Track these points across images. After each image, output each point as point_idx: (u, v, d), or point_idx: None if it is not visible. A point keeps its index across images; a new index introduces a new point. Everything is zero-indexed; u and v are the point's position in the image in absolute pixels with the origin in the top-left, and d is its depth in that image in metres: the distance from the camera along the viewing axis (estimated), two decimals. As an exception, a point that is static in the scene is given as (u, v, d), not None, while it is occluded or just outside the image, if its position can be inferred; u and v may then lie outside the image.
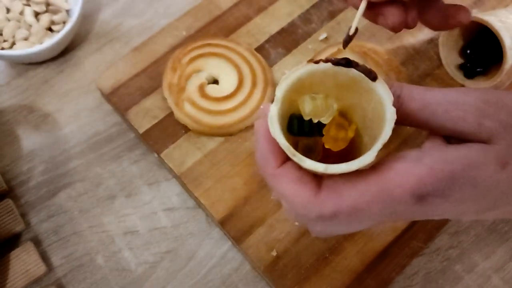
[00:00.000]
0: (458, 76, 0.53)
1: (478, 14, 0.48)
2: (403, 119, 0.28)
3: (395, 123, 0.27)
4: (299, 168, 0.28)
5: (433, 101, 0.28)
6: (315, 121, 0.30)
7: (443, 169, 0.26)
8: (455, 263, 0.47)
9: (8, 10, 0.55)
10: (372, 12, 0.33)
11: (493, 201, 0.27)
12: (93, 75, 0.56)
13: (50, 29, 0.56)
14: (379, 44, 0.54)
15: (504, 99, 0.27)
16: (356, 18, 0.29)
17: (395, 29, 0.34)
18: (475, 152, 0.26)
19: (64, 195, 0.50)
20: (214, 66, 0.52)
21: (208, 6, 0.57)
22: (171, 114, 0.51)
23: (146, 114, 0.51)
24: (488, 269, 0.47)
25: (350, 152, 0.31)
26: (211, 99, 0.50)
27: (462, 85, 0.52)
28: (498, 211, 0.28)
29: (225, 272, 0.47)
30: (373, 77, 0.27)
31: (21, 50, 0.52)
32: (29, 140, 0.53)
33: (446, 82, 0.53)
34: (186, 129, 0.50)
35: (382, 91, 0.27)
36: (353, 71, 0.28)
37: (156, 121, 0.51)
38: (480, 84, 0.50)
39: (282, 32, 0.56)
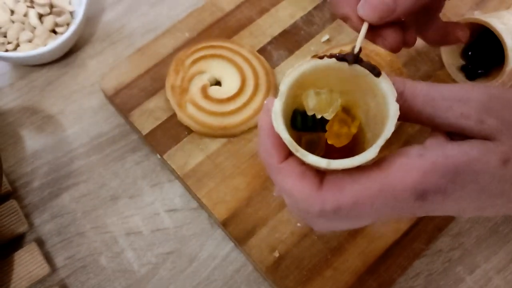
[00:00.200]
0: (460, 78, 0.53)
1: (480, 15, 0.48)
2: (406, 115, 0.28)
3: (398, 119, 0.27)
4: (302, 163, 0.28)
5: (437, 97, 0.28)
6: (319, 116, 0.30)
7: (445, 165, 0.26)
8: (456, 264, 0.47)
9: (12, 12, 0.55)
10: (371, 33, 0.33)
11: (495, 198, 0.27)
12: (96, 77, 0.56)
13: (54, 31, 0.56)
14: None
15: (507, 96, 0.27)
16: (359, 39, 0.30)
17: (393, 50, 0.34)
18: (477, 148, 0.26)
19: (67, 196, 0.50)
20: (217, 68, 0.52)
21: (210, 8, 0.57)
22: (174, 115, 0.51)
23: (149, 116, 0.51)
24: (490, 270, 0.47)
25: (353, 148, 0.31)
26: (214, 101, 0.50)
27: (464, 87, 0.52)
28: (500, 208, 0.28)
29: (227, 273, 0.47)
30: (377, 72, 0.28)
31: (25, 52, 0.52)
32: (33, 141, 0.53)
33: (448, 83, 0.53)
34: (189, 130, 0.50)
35: (386, 87, 0.27)
36: (357, 67, 0.28)
37: (159, 122, 0.51)
38: (482, 86, 0.50)
39: (284, 33, 0.56)
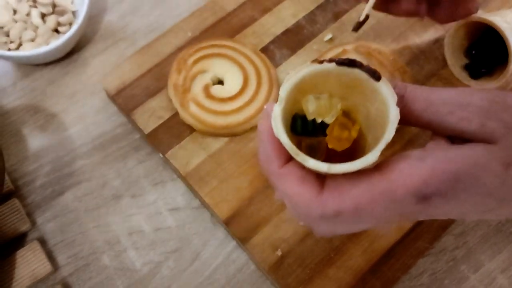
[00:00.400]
0: (463, 77, 0.53)
1: (483, 14, 0.48)
2: (407, 119, 0.28)
3: (399, 123, 0.27)
4: (302, 167, 0.28)
5: (437, 101, 0.28)
6: (319, 121, 0.30)
7: (447, 169, 0.26)
8: (460, 263, 0.47)
9: (15, 12, 0.55)
10: (384, 3, 0.33)
11: (497, 201, 0.27)
12: (99, 76, 0.56)
13: (56, 31, 0.56)
14: (384, 45, 0.54)
15: (508, 100, 0.27)
16: (367, 6, 0.30)
17: (409, 15, 0.34)
18: (479, 152, 0.26)
19: (70, 195, 0.50)
20: (219, 67, 0.52)
21: (213, 7, 0.57)
22: (176, 114, 0.51)
23: (151, 115, 0.51)
24: (494, 269, 0.47)
25: (353, 152, 0.31)
26: (216, 100, 0.50)
27: (467, 86, 0.52)
28: (502, 211, 0.28)
29: (230, 272, 0.47)
30: (377, 77, 0.27)
31: (28, 51, 0.52)
32: (35, 140, 0.53)
33: (451, 82, 0.53)
34: (191, 129, 0.50)
35: (386, 91, 0.27)
36: (357, 71, 0.28)
37: (161, 121, 0.51)
38: (485, 85, 0.50)
39: (287, 33, 0.56)
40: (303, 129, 0.30)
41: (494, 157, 0.26)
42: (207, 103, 0.50)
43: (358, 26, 0.27)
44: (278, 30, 0.56)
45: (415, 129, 0.50)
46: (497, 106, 0.27)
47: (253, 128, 0.50)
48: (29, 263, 0.46)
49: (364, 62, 0.28)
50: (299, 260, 0.45)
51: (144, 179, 0.51)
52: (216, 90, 0.51)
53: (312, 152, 0.31)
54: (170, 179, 0.51)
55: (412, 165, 0.26)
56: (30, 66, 0.57)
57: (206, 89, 0.51)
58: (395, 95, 0.27)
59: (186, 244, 0.48)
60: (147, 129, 0.50)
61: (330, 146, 0.29)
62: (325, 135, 0.30)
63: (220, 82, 0.52)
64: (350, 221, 0.27)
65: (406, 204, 0.26)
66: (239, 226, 0.46)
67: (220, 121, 0.49)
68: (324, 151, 0.31)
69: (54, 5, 0.56)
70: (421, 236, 0.45)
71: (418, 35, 0.55)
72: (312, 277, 0.44)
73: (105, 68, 0.57)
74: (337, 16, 0.56)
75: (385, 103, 0.27)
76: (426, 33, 0.55)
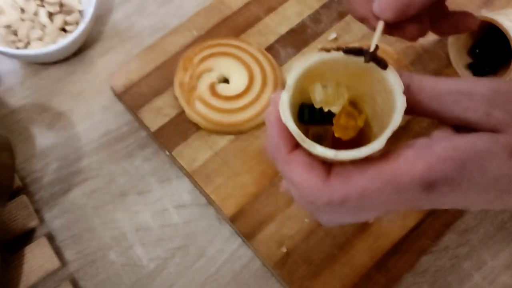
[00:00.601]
0: (467, 76, 0.53)
1: (487, 13, 0.49)
2: (413, 109, 0.28)
3: (405, 113, 0.27)
4: (309, 155, 0.28)
5: (443, 90, 0.28)
6: (326, 109, 0.30)
7: (452, 156, 0.26)
8: (464, 261, 0.47)
9: (22, 11, 0.56)
10: (388, 28, 0.33)
11: (502, 191, 0.27)
12: (105, 75, 0.57)
13: (63, 30, 0.57)
14: (389, 44, 0.54)
15: None
16: (375, 38, 0.30)
17: (413, 40, 0.35)
18: (484, 141, 0.26)
19: (77, 192, 0.51)
20: (225, 66, 0.52)
21: (218, 6, 0.57)
22: (182, 112, 0.51)
23: (158, 113, 0.52)
24: (497, 267, 0.47)
25: (359, 142, 0.31)
26: (222, 98, 0.51)
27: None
28: (507, 200, 0.28)
29: (235, 268, 0.47)
30: (383, 65, 0.28)
31: (36, 50, 0.53)
32: (43, 138, 0.54)
33: (454, 77, 0.53)
34: (197, 127, 0.51)
35: (393, 80, 0.27)
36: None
37: (167, 119, 0.51)
38: (489, 83, 0.51)
39: (291, 32, 0.56)
40: (310, 117, 0.30)
41: (499, 146, 0.26)
42: (213, 101, 0.50)
43: (370, 57, 0.28)
44: (283, 29, 0.56)
45: (419, 127, 0.50)
46: (502, 95, 0.27)
47: (259, 126, 0.51)
48: (37, 258, 0.46)
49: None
50: (304, 256, 0.45)
51: (151, 176, 0.51)
52: (222, 88, 0.51)
53: (318, 141, 0.31)
54: (176, 177, 0.51)
55: (418, 153, 0.26)
56: (37, 65, 0.58)
57: (212, 87, 0.51)
58: (402, 84, 0.27)
59: (192, 240, 0.48)
60: (154, 127, 0.51)
61: (336, 134, 0.29)
62: (332, 124, 0.30)
63: (226, 80, 0.53)
64: (357, 208, 0.27)
65: (412, 191, 0.26)
66: (245, 223, 0.46)
67: (226, 119, 0.50)
68: (330, 140, 0.31)
69: (61, 5, 0.57)
70: (425, 234, 0.46)
71: (422, 34, 0.55)
72: (316, 273, 0.45)
73: (111, 67, 0.57)
74: (341, 16, 0.57)
75: (392, 92, 0.27)
76: (430, 33, 0.55)
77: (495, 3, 0.57)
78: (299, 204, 0.31)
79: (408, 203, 0.27)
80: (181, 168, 0.50)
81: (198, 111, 0.50)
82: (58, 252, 0.48)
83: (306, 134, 0.29)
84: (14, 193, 0.49)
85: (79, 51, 0.58)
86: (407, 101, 0.27)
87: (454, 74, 0.53)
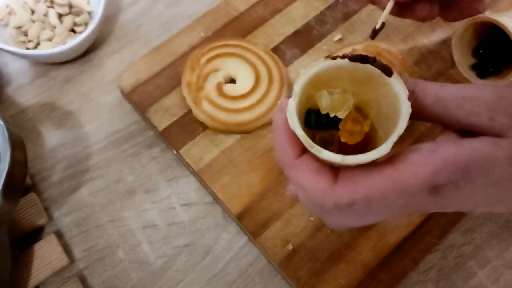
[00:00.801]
0: (471, 76, 0.53)
1: (491, 14, 0.49)
2: (417, 114, 0.29)
3: (409, 118, 0.27)
4: (316, 159, 0.29)
5: (447, 96, 0.28)
6: (332, 115, 0.30)
7: (457, 160, 0.26)
8: (468, 259, 0.48)
9: (32, 12, 0.57)
10: (398, 9, 0.34)
11: (505, 193, 0.28)
12: (113, 75, 0.58)
13: (73, 31, 0.58)
14: (393, 45, 0.55)
15: None
16: (383, 15, 0.31)
17: (424, 20, 0.35)
18: (488, 145, 0.27)
19: (85, 190, 0.51)
20: (232, 66, 0.53)
21: (225, 8, 0.58)
22: (189, 112, 0.52)
23: (165, 112, 0.52)
24: (501, 265, 0.47)
25: (365, 147, 0.31)
26: (229, 98, 0.51)
27: (475, 85, 0.53)
28: (509, 204, 0.29)
29: (241, 265, 0.48)
30: (388, 72, 0.28)
31: (46, 50, 0.54)
32: (52, 137, 0.54)
33: (459, 82, 0.53)
34: (204, 126, 0.51)
35: (398, 86, 0.28)
36: (369, 67, 0.29)
37: (175, 118, 0.52)
38: (493, 84, 0.51)
39: (297, 33, 0.57)
40: (317, 123, 0.31)
41: (502, 150, 0.26)
42: (220, 101, 0.51)
43: (375, 33, 0.28)
44: (289, 30, 0.57)
45: (424, 127, 0.51)
46: (506, 101, 0.27)
47: (265, 126, 0.51)
48: (46, 255, 0.47)
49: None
50: (309, 254, 0.46)
51: (158, 175, 0.52)
52: (229, 88, 0.52)
53: (325, 146, 0.32)
54: (183, 175, 0.52)
55: (423, 157, 0.27)
56: (47, 65, 0.58)
57: (219, 87, 0.52)
58: (407, 90, 0.28)
59: (198, 238, 0.49)
60: (161, 126, 0.52)
61: (342, 139, 0.30)
62: (338, 129, 0.31)
63: (232, 80, 0.53)
64: (363, 212, 0.28)
65: (417, 194, 0.27)
66: (251, 221, 0.47)
67: (232, 118, 0.50)
68: (336, 145, 0.32)
69: (70, 6, 0.58)
70: (430, 232, 0.46)
71: (426, 36, 0.56)
72: (322, 271, 0.45)
73: (119, 67, 0.58)
74: (346, 17, 0.58)
75: (397, 98, 0.28)
76: (434, 34, 0.56)
77: (499, 4, 0.58)
78: (306, 208, 0.32)
79: (413, 207, 0.28)
80: (188, 167, 0.51)
81: (205, 111, 0.51)
82: (66, 249, 0.48)
83: (313, 139, 0.30)
84: (24, 191, 0.50)
85: (87, 52, 0.59)
86: (411, 107, 0.27)
87: (458, 74, 0.54)
